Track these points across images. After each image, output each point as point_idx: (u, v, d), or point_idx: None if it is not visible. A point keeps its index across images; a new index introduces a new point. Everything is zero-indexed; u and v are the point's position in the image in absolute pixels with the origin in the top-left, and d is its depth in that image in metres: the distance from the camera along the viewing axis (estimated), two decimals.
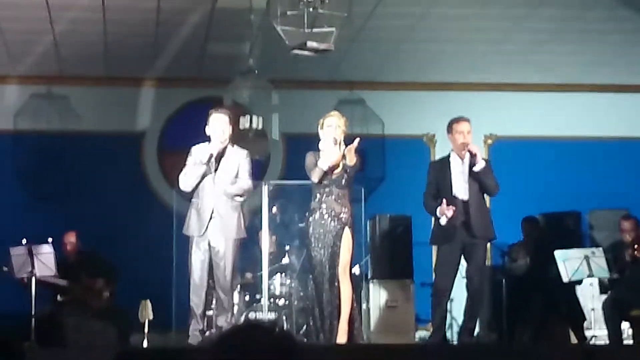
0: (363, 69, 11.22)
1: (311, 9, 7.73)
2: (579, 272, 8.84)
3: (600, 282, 9.55)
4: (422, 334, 10.92)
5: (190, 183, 7.57)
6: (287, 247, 9.39)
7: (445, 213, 7.70)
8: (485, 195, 8.07)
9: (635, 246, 8.88)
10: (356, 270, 8.93)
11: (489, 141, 11.81)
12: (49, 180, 10.98)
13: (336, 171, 7.33)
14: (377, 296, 9.55)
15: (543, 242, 9.91)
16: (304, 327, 8.46)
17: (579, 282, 9.28)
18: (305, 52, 7.97)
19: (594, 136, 11.85)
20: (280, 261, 9.37)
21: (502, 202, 9.57)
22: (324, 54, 8.20)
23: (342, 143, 7.36)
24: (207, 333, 7.76)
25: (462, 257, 7.89)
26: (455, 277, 7.89)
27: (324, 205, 7.34)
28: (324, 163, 7.25)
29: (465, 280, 7.95)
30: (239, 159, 7.60)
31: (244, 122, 9.65)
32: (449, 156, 8.03)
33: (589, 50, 10.71)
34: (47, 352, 7.30)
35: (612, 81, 11.77)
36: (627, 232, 9.14)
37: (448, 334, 10.83)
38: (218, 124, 7.57)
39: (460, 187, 7.86)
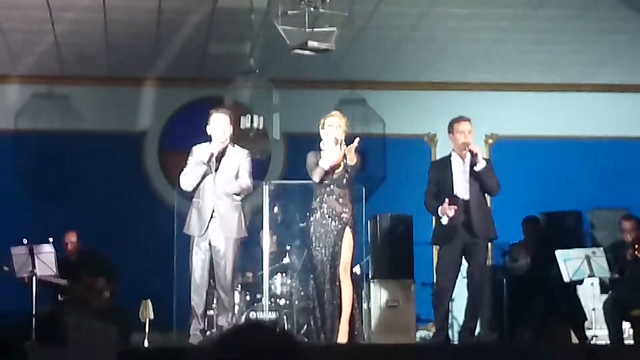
0: (364, 69, 11.22)
1: (312, 9, 7.73)
2: (579, 271, 8.85)
3: (601, 282, 9.54)
4: (422, 333, 10.92)
5: (191, 183, 7.58)
6: (288, 247, 9.39)
7: (446, 212, 7.70)
8: (486, 194, 8.07)
9: (636, 246, 8.87)
10: (357, 270, 8.93)
11: (490, 141, 11.81)
12: (49, 180, 10.99)
13: (337, 171, 7.34)
14: (378, 296, 9.54)
15: (544, 241, 9.91)
16: (305, 326, 8.46)
17: (580, 281, 9.28)
18: (306, 52, 7.97)
19: (595, 136, 11.85)
20: (281, 261, 9.37)
21: (503, 202, 9.57)
22: (325, 54, 8.21)
23: (343, 143, 7.36)
24: (208, 333, 7.76)
25: (463, 256, 7.89)
26: (457, 276, 7.89)
27: (325, 205, 7.34)
28: (325, 163, 7.26)
29: (466, 280, 7.95)
30: (239, 159, 7.61)
31: (245, 122, 9.65)
32: (450, 156, 8.03)
33: (590, 50, 10.71)
34: (48, 351, 7.30)
35: (613, 81, 11.77)
36: (627, 232, 9.14)
37: (449, 334, 10.85)
38: (219, 124, 7.57)
39: (462, 187, 7.86)
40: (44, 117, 11.21)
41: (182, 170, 7.66)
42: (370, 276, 9.73)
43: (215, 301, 8.11)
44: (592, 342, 9.17)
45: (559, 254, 8.92)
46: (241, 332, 2.21)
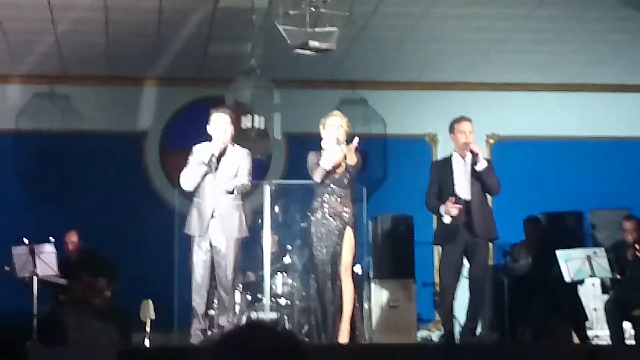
0: (365, 69, 11.22)
1: (313, 9, 7.73)
2: (581, 272, 8.84)
3: (602, 282, 9.54)
4: (423, 333, 10.93)
5: (191, 182, 7.58)
6: (289, 247, 9.39)
7: (450, 211, 7.70)
8: (487, 194, 8.07)
9: (637, 246, 8.87)
10: (358, 269, 8.92)
11: (491, 141, 11.80)
12: (50, 180, 10.99)
13: (338, 171, 7.34)
14: (379, 296, 9.55)
15: (545, 241, 9.91)
16: (306, 326, 8.46)
17: (581, 282, 9.27)
18: (307, 52, 7.97)
19: (596, 136, 11.85)
20: (282, 261, 9.36)
21: (504, 202, 9.57)
22: (326, 54, 8.20)
23: (344, 143, 7.37)
24: (209, 333, 7.76)
25: (465, 257, 7.89)
26: (459, 276, 7.89)
27: (326, 205, 7.34)
28: (326, 163, 7.26)
29: (467, 280, 7.95)
30: (239, 158, 7.61)
31: (246, 122, 9.65)
32: (451, 156, 8.04)
33: (591, 50, 10.71)
34: (49, 351, 7.31)
35: (614, 81, 11.77)
36: (628, 232, 9.14)
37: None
38: (219, 124, 7.57)
39: (463, 187, 7.87)
40: (45, 117, 11.21)
41: (183, 170, 7.66)
42: (371, 276, 9.73)
43: (216, 301, 8.11)
44: (593, 343, 9.17)
45: (560, 254, 8.92)
46: (242, 332, 2.21)
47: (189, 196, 7.78)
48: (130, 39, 10.07)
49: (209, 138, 7.61)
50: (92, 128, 11.22)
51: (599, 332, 9.33)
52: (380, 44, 10.34)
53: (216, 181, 7.52)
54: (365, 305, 9.49)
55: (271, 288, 8.99)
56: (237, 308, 8.55)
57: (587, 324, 9.49)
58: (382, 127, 11.67)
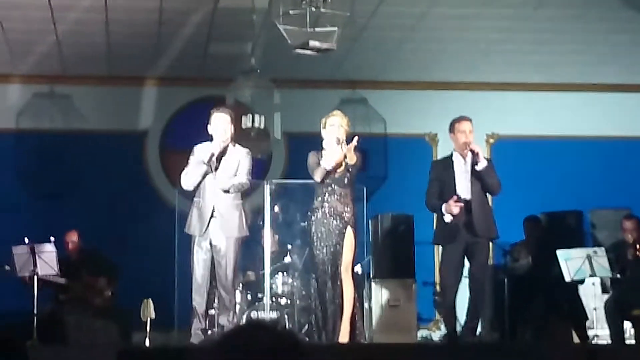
0: (365, 68, 11.22)
1: (313, 9, 7.74)
2: (581, 271, 8.84)
3: (602, 282, 9.54)
4: (424, 333, 10.93)
5: (191, 182, 7.59)
6: (290, 246, 9.39)
7: (452, 210, 7.71)
8: (487, 194, 8.08)
9: (637, 246, 8.88)
10: (358, 269, 8.93)
11: (491, 140, 11.80)
12: (51, 180, 10.99)
13: (338, 170, 7.34)
14: (379, 295, 9.54)
15: (545, 241, 9.91)
16: (306, 326, 8.47)
17: (581, 281, 9.27)
18: (308, 52, 7.98)
19: (596, 135, 11.85)
20: (283, 260, 9.37)
21: (504, 202, 9.57)
22: (326, 54, 8.21)
23: (345, 142, 7.37)
24: (209, 332, 7.76)
25: (465, 256, 7.89)
26: (460, 276, 7.90)
27: (326, 205, 7.35)
28: (327, 163, 7.26)
29: (467, 280, 7.96)
30: (239, 157, 7.61)
31: (246, 122, 9.65)
32: (451, 155, 8.04)
33: (590, 50, 10.71)
34: (49, 350, 7.31)
35: (614, 81, 11.77)
36: (629, 232, 9.14)
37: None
38: (220, 123, 7.58)
39: (463, 187, 7.87)
40: (45, 117, 11.21)
41: (183, 169, 7.67)
42: (371, 276, 9.73)
43: (216, 300, 8.11)
44: (593, 342, 9.17)
45: (560, 253, 8.92)
46: (242, 331, 2.22)
47: (190, 196, 7.79)
48: (130, 39, 10.07)
49: (209, 138, 7.62)
50: (93, 128, 11.22)
51: (599, 332, 9.33)
52: (380, 43, 10.35)
53: (216, 180, 7.53)
54: (366, 305, 9.50)
55: (271, 287, 9.00)
56: (238, 307, 8.55)
57: (587, 323, 9.49)
58: (383, 126, 11.67)
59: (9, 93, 11.27)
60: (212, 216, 7.50)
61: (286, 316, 8.97)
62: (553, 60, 10.98)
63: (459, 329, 8.22)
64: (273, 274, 9.10)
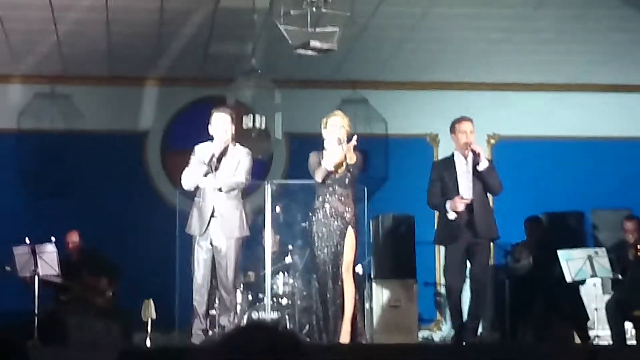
0: (366, 69, 11.22)
1: (314, 9, 7.73)
2: (582, 272, 8.84)
3: (603, 282, 9.54)
4: (425, 333, 10.93)
5: (192, 182, 7.59)
6: (290, 247, 9.39)
7: (457, 207, 7.70)
8: (488, 194, 8.07)
9: (638, 246, 8.87)
10: (359, 269, 8.93)
11: (492, 141, 11.80)
12: (52, 180, 10.98)
13: (339, 171, 7.34)
14: (380, 296, 9.54)
15: (546, 241, 9.90)
16: (307, 326, 8.46)
17: (582, 282, 9.27)
18: (309, 52, 7.97)
19: (597, 136, 11.84)
20: (284, 260, 9.37)
21: (505, 202, 9.58)
22: (327, 54, 8.20)
23: (346, 143, 7.37)
24: (210, 332, 7.76)
25: (466, 256, 7.89)
26: (464, 276, 7.90)
27: (327, 205, 7.34)
28: (328, 163, 7.26)
29: (468, 280, 7.95)
30: (239, 157, 7.61)
31: (247, 122, 9.65)
32: (452, 156, 8.04)
33: (592, 50, 10.71)
34: (50, 350, 7.31)
35: (615, 81, 11.76)
36: (629, 233, 9.14)
37: (451, 334, 10.86)
38: (220, 124, 7.58)
39: (465, 187, 7.87)
40: (46, 117, 11.22)
41: (184, 169, 7.67)
42: (372, 276, 9.73)
43: (217, 301, 8.11)
44: (594, 343, 9.17)
45: (561, 254, 8.92)
46: (243, 332, 2.22)
47: (190, 196, 7.79)
48: (131, 39, 10.07)
49: (210, 138, 7.62)
50: (94, 128, 11.22)
51: (600, 332, 9.33)
52: (381, 43, 10.34)
53: (216, 180, 7.53)
54: (367, 305, 9.50)
55: (272, 288, 9.00)
56: (238, 308, 8.55)
57: (589, 324, 9.49)
58: (383, 127, 11.67)
59: (10, 93, 11.27)
60: (212, 216, 7.50)
61: (287, 317, 8.96)
62: (554, 60, 10.97)
63: None
64: (274, 274, 9.10)
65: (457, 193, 7.82)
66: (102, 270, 9.84)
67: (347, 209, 7.35)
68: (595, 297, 9.51)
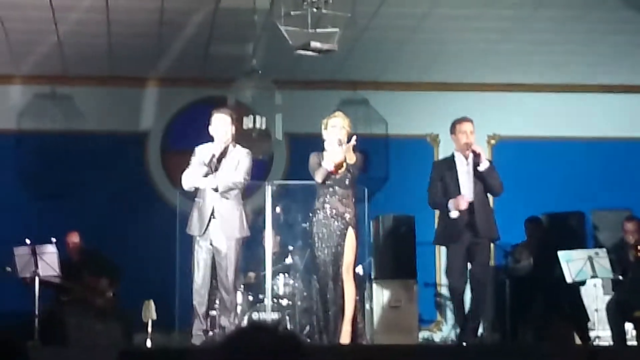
0: (366, 69, 11.22)
1: (315, 10, 7.73)
2: (582, 272, 8.84)
3: (604, 283, 9.53)
4: (425, 334, 10.93)
5: (191, 182, 7.58)
6: (291, 247, 9.39)
7: (460, 205, 7.70)
8: (488, 195, 8.07)
9: (639, 247, 8.87)
10: (359, 270, 8.93)
11: (492, 141, 11.80)
12: (52, 180, 10.99)
13: (340, 171, 7.34)
14: (381, 296, 9.54)
15: (546, 242, 9.90)
16: (307, 327, 8.46)
17: (583, 282, 9.27)
18: (309, 53, 7.97)
19: (597, 136, 11.84)
20: (284, 261, 9.37)
21: (506, 202, 9.57)
22: (328, 54, 8.20)
23: (346, 143, 7.36)
24: (211, 333, 7.76)
25: (467, 257, 7.89)
26: (466, 277, 7.89)
27: (327, 206, 7.34)
28: (328, 164, 7.25)
29: (468, 280, 7.95)
30: (239, 157, 7.60)
31: (248, 122, 9.66)
32: (453, 156, 8.04)
33: (592, 51, 10.71)
34: (51, 351, 7.31)
35: (615, 81, 11.76)
36: (630, 233, 9.14)
37: (452, 334, 10.86)
38: (220, 124, 7.58)
39: (466, 187, 7.87)
40: (47, 118, 11.21)
41: (184, 170, 7.67)
42: (372, 276, 9.73)
43: (217, 302, 8.11)
44: (594, 343, 9.16)
45: (562, 254, 8.92)
46: (244, 333, 2.22)
47: (191, 196, 7.79)
48: (132, 40, 10.07)
49: (210, 138, 7.62)
50: (94, 128, 11.22)
51: (601, 333, 9.32)
52: (381, 44, 10.35)
53: (213, 180, 7.53)
54: (367, 306, 9.50)
55: (273, 289, 9.00)
56: (239, 308, 8.55)
57: (589, 324, 9.48)
58: (384, 127, 11.67)
59: (11, 94, 11.27)
60: (212, 217, 7.50)
61: (287, 317, 8.96)
62: (554, 61, 10.98)
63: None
64: (274, 275, 9.09)
65: (459, 193, 7.82)
66: (103, 270, 9.84)
67: (347, 209, 7.35)
68: (595, 298, 9.51)
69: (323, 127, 7.46)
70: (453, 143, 8.11)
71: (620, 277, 8.94)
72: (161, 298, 8.93)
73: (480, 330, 8.57)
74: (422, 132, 11.76)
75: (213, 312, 8.32)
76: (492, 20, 9.66)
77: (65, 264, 9.22)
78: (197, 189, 7.61)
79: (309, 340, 7.69)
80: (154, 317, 8.54)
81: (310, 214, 7.48)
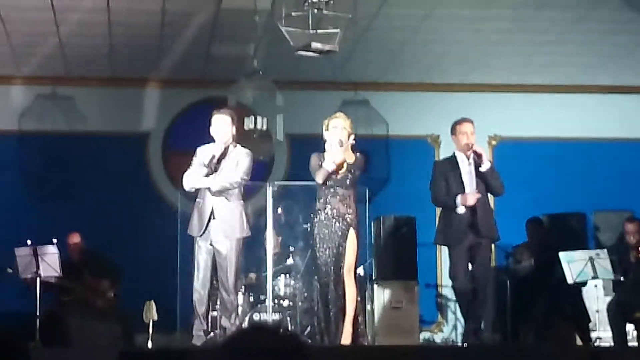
0: (367, 70, 11.22)
1: (316, 10, 7.73)
2: (583, 273, 8.83)
3: (605, 284, 9.53)
4: (426, 335, 10.93)
5: (192, 183, 7.59)
6: (292, 248, 9.40)
7: (468, 200, 7.69)
8: (488, 195, 8.07)
9: None
10: (361, 271, 8.93)
11: (493, 142, 11.80)
12: (53, 181, 11.00)
13: (341, 172, 7.34)
14: (382, 297, 9.54)
15: (547, 243, 9.91)
16: (308, 328, 8.46)
17: (584, 283, 9.27)
18: (310, 53, 7.98)
19: (598, 137, 11.84)
20: (285, 262, 9.37)
21: (507, 203, 9.57)
22: (329, 55, 8.21)
23: (347, 144, 7.36)
24: (212, 334, 7.76)
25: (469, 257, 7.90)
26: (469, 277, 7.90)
27: (328, 206, 7.34)
28: (329, 164, 7.25)
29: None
30: (238, 158, 7.61)
31: (249, 123, 9.66)
32: (454, 156, 8.03)
33: (593, 52, 10.71)
34: (52, 352, 7.31)
35: (616, 82, 11.77)
36: (631, 234, 9.14)
37: (452, 335, 10.87)
38: (220, 125, 7.59)
39: (469, 187, 7.87)
40: (48, 118, 11.22)
41: (186, 171, 7.67)
42: (374, 277, 9.73)
43: (218, 302, 8.11)
44: (595, 344, 9.16)
45: (563, 255, 8.91)
46: (245, 334, 2.22)
47: (192, 197, 7.79)
48: (133, 41, 10.08)
49: (212, 139, 7.62)
50: (95, 129, 11.23)
51: (602, 334, 9.33)
52: (382, 45, 10.35)
53: (210, 180, 7.53)
54: (368, 307, 9.50)
55: (274, 289, 9.00)
56: (240, 309, 8.55)
57: (590, 325, 9.48)
58: (385, 128, 11.67)
59: (12, 94, 11.28)
60: (211, 217, 7.50)
61: (288, 318, 8.97)
62: (555, 61, 10.98)
63: (461, 330, 8.23)
64: (275, 275, 9.10)
65: (463, 192, 7.82)
66: (104, 271, 9.84)
67: (348, 210, 7.35)
68: (596, 299, 9.50)
69: (324, 128, 7.45)
70: (454, 144, 8.10)
71: (621, 278, 8.93)
72: (162, 299, 8.92)
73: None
74: (423, 132, 11.76)
75: (214, 313, 8.32)
76: (492, 21, 9.66)
77: (66, 264, 9.22)
78: (198, 190, 7.62)
79: (310, 341, 7.69)
80: (155, 317, 8.54)
81: (312, 215, 7.48)
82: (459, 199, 7.77)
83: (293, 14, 7.82)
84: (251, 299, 9.22)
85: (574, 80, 11.68)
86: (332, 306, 7.26)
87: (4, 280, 9.06)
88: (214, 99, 10.59)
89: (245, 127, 9.54)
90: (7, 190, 10.95)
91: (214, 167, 7.52)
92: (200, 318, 7.54)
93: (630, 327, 8.94)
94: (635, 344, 8.82)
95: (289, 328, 8.69)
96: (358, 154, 7.44)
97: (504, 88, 11.80)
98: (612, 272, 8.84)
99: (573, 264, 8.84)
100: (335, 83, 11.43)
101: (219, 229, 7.50)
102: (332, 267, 7.27)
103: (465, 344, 8.04)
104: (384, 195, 11.22)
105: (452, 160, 8.03)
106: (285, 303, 9.12)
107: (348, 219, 7.33)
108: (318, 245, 7.34)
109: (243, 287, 9.02)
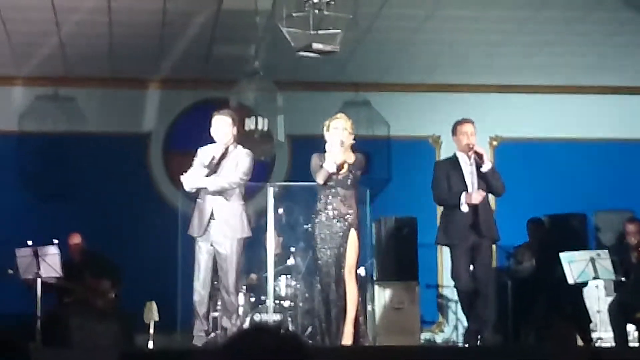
0: (368, 71, 11.22)
1: (317, 11, 7.73)
2: (584, 274, 8.84)
3: (606, 285, 9.53)
4: (427, 335, 10.93)
5: (193, 184, 7.59)
6: (293, 249, 9.39)
7: (473, 199, 7.68)
8: (489, 195, 8.07)
9: None
10: (361, 271, 8.93)
11: (494, 143, 11.81)
12: (54, 182, 11.00)
13: (341, 172, 7.33)
14: (383, 298, 9.55)
15: (548, 243, 9.91)
16: (309, 328, 8.46)
17: (585, 284, 9.27)
18: (311, 54, 7.97)
19: (599, 138, 11.84)
20: (286, 262, 9.37)
21: (508, 204, 9.57)
22: (330, 56, 8.20)
23: (349, 145, 7.36)
24: (212, 334, 7.76)
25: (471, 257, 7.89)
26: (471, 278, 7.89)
27: (329, 207, 7.34)
28: (330, 165, 7.25)
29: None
30: (238, 158, 7.61)
31: (250, 124, 9.66)
32: (455, 157, 8.02)
33: (593, 52, 10.71)
34: (52, 352, 7.31)
35: (617, 83, 11.76)
36: (632, 235, 9.14)
37: (453, 336, 10.87)
38: (220, 126, 7.59)
39: (471, 187, 7.87)
40: (49, 119, 11.22)
41: (186, 171, 7.67)
42: (374, 278, 9.73)
43: (219, 303, 8.11)
44: (596, 345, 9.16)
45: (564, 256, 8.91)
46: (246, 335, 2.22)
47: (193, 197, 7.79)
48: (134, 41, 10.08)
49: (212, 140, 7.62)
50: (96, 130, 11.23)
51: (603, 335, 9.32)
52: (383, 46, 10.35)
53: (208, 181, 7.53)
54: (369, 307, 9.50)
55: (275, 290, 9.00)
56: (241, 310, 8.55)
57: (591, 326, 9.48)
58: (386, 129, 11.67)
59: (13, 95, 11.29)
60: (212, 218, 7.49)
61: (289, 319, 8.96)
62: (556, 62, 10.98)
63: (462, 331, 8.23)
64: (276, 276, 9.09)
65: (465, 191, 7.82)
66: (105, 272, 9.84)
67: (349, 210, 7.35)
68: (597, 299, 9.50)
69: (325, 128, 7.45)
70: (455, 144, 8.10)
71: (622, 279, 8.94)
72: (163, 299, 8.93)
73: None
74: (424, 133, 11.76)
75: (215, 314, 8.32)
76: (493, 22, 9.66)
77: (67, 265, 9.23)
78: (198, 190, 7.61)
79: (310, 342, 7.69)
80: (156, 318, 8.54)
81: (312, 216, 7.47)
82: (463, 197, 7.76)
83: (294, 14, 7.82)
84: (252, 299, 9.22)
85: (574, 80, 11.68)
86: (333, 307, 7.26)
87: (5, 280, 9.06)
88: (214, 100, 10.58)
89: (246, 128, 9.54)
90: (8, 191, 10.95)
91: (214, 167, 7.52)
92: (201, 318, 7.53)
93: (631, 328, 8.93)
94: (636, 344, 8.82)
95: (290, 329, 8.68)
96: (359, 154, 7.44)
97: (505, 89, 11.80)
98: (613, 273, 8.85)
99: (574, 264, 8.84)
100: (337, 84, 11.43)
101: (220, 229, 7.49)
102: (333, 268, 7.27)
103: (466, 344, 8.03)
104: (385, 195, 11.22)
105: (454, 161, 8.03)
106: (286, 304, 9.12)
107: (349, 220, 7.32)
108: (319, 246, 7.34)
109: (244, 287, 9.02)
